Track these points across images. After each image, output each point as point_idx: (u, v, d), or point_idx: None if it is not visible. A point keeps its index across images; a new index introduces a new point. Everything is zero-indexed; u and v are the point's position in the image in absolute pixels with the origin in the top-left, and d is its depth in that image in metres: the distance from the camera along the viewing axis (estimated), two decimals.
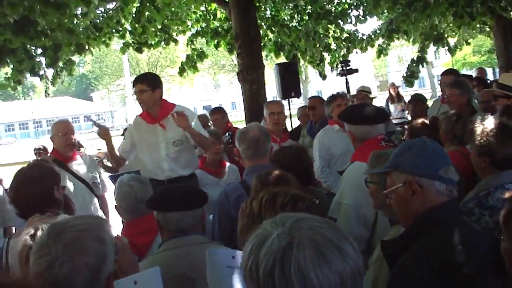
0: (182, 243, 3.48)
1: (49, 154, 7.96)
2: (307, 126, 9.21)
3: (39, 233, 2.69)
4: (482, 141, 3.69)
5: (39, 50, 10.32)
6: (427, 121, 5.57)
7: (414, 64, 14.48)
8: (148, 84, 6.44)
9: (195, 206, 3.64)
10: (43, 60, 10.49)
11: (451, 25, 16.24)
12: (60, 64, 11.57)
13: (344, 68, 13.59)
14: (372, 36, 16.94)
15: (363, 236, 4.09)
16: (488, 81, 12.76)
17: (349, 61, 14.45)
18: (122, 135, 11.43)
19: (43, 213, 3.89)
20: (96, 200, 6.57)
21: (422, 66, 14.91)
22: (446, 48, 17.00)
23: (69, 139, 6.49)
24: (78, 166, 6.56)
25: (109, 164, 8.07)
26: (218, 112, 9.42)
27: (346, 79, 13.46)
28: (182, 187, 4.40)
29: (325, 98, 8.71)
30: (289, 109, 11.56)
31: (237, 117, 37.71)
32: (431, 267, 2.52)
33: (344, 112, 5.33)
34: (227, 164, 7.00)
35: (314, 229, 1.60)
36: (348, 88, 13.28)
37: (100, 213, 6.51)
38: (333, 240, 1.58)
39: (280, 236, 1.59)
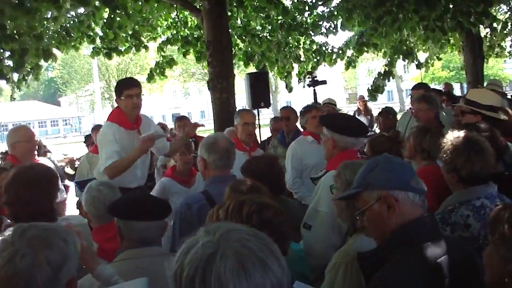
0: (143, 254, 3.44)
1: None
2: (278, 136, 9.22)
3: None
4: (448, 158, 3.70)
5: (7, 53, 10.19)
6: (387, 135, 5.60)
7: (381, 78, 14.59)
8: (141, 89, 6.40)
9: (160, 217, 3.61)
10: (11, 63, 10.36)
11: (420, 39, 16.38)
12: (28, 68, 11.42)
13: (311, 79, 13.68)
14: (343, 48, 17.03)
15: (336, 244, 4.08)
16: (456, 96, 12.91)
17: (312, 72, 14.54)
18: (84, 142, 11.33)
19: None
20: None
21: (389, 80, 15.02)
22: (416, 63, 17.17)
23: (34, 145, 6.37)
24: None
25: (70, 172, 7.97)
26: (181, 120, 9.66)
27: (314, 90, 13.52)
28: (147, 196, 4.36)
29: (295, 109, 8.73)
30: (258, 119, 11.55)
31: (206, 126, 37.62)
32: (411, 280, 2.52)
33: (329, 119, 5.32)
34: (198, 173, 6.91)
35: (241, 241, 1.62)
36: (315, 99, 13.33)
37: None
38: (257, 254, 1.60)
39: (206, 244, 1.61)
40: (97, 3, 11.27)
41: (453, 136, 3.78)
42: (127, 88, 6.32)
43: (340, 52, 16.99)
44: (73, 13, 12.41)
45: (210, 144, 4.71)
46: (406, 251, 2.61)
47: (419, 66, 17.62)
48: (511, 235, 2.26)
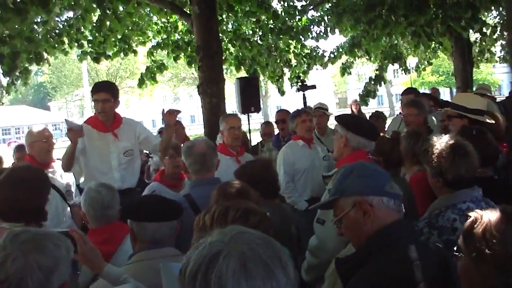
0: (156, 255, 3.45)
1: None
2: (272, 139, 9.21)
3: None
4: (434, 162, 3.71)
5: None
6: (387, 136, 5.61)
7: (372, 83, 14.63)
8: (112, 94, 6.36)
9: (172, 217, 3.64)
10: None
11: (409, 45, 16.44)
12: (17, 72, 11.38)
13: (301, 83, 13.70)
14: (335, 53, 17.06)
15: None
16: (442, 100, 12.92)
17: (300, 76, 14.56)
18: None
19: (28, 223, 3.71)
20: (68, 208, 6.43)
21: (380, 85, 15.06)
22: (403, 68, 17.21)
23: (51, 145, 6.51)
24: (53, 173, 6.43)
25: None
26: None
27: (304, 94, 13.54)
28: (159, 197, 4.38)
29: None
30: (248, 123, 11.54)
31: (196, 131, 37.61)
32: (385, 285, 2.52)
33: (345, 118, 5.35)
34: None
35: (250, 244, 1.60)
36: (305, 103, 13.32)
37: (72, 221, 6.39)
38: (263, 258, 1.57)
39: (214, 243, 1.60)
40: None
41: (437, 140, 3.79)
42: (94, 93, 6.42)
43: (332, 56, 17.04)
44: (62, 17, 12.39)
45: (187, 148, 4.84)
46: (382, 256, 2.62)
47: (406, 71, 17.67)
48: (490, 252, 2.25)
